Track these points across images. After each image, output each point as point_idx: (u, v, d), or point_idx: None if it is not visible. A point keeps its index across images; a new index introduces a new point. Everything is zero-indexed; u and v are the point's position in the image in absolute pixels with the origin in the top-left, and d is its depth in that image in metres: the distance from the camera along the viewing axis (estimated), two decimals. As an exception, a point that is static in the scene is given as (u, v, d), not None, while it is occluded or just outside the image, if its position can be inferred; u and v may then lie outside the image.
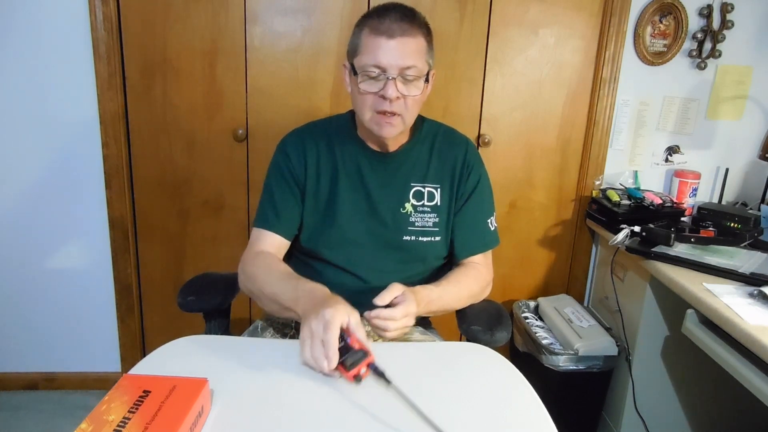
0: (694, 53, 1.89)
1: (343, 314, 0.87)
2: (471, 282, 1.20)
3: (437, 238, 1.21)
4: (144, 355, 1.01)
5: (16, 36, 1.73)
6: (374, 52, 1.05)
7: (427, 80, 1.10)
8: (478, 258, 1.24)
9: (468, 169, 1.22)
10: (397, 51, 1.04)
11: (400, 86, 1.06)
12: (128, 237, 1.92)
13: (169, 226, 1.95)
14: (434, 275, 1.26)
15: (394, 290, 0.99)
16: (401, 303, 0.98)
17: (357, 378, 0.83)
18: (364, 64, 1.06)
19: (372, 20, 1.07)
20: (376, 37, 1.05)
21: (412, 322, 1.00)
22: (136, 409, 0.71)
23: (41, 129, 1.82)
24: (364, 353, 0.85)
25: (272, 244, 1.17)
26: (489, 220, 1.25)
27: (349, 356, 0.84)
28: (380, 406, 0.82)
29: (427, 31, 1.10)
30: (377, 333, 0.99)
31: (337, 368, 0.84)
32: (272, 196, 1.19)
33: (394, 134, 1.12)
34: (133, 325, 2.02)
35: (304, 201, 1.20)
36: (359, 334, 0.87)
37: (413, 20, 1.07)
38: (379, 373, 0.83)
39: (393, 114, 1.08)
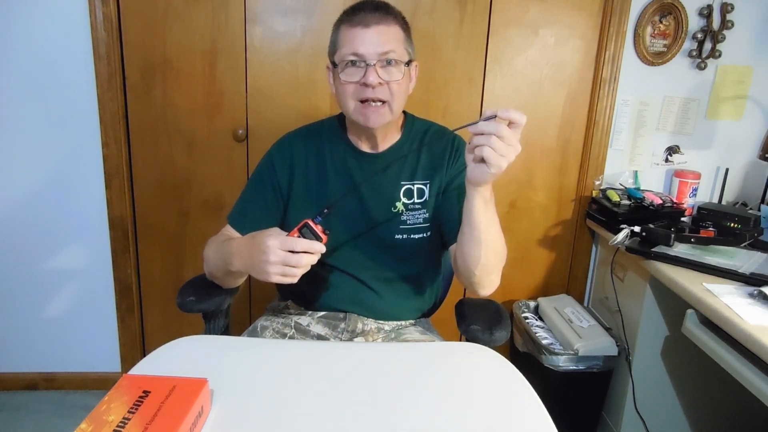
0: (694, 53, 1.89)
1: (269, 231, 0.96)
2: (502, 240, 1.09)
3: (428, 234, 1.20)
4: (144, 355, 1.01)
5: (16, 36, 1.73)
6: (352, 42, 1.06)
7: (408, 65, 1.11)
8: None
9: (456, 155, 1.20)
10: (374, 38, 1.05)
11: (381, 72, 1.06)
12: (128, 237, 1.93)
13: (169, 226, 1.95)
14: (429, 272, 1.27)
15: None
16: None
17: (324, 232, 0.96)
18: (344, 55, 1.07)
19: (347, 16, 1.09)
20: (352, 28, 1.06)
21: (517, 143, 0.88)
22: (136, 409, 0.71)
23: (41, 129, 1.82)
24: (302, 224, 0.96)
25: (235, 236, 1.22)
26: None
27: (304, 233, 0.96)
28: (380, 406, 0.82)
29: (403, 23, 1.12)
30: (479, 154, 0.89)
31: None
32: (246, 199, 1.24)
33: (382, 123, 1.11)
34: (133, 325, 2.02)
35: (291, 205, 1.21)
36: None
37: (387, 11, 1.09)
38: (322, 213, 0.96)
39: (378, 101, 1.08)
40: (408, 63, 1.11)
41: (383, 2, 1.11)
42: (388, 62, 1.07)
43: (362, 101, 1.08)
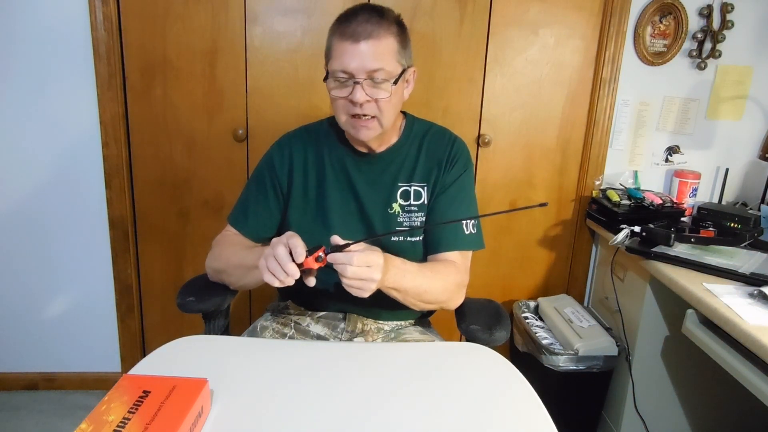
0: (694, 53, 1.89)
1: (296, 234, 0.94)
2: (449, 276, 1.14)
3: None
4: (144, 355, 1.02)
5: (17, 36, 1.73)
6: (341, 57, 1.04)
7: (395, 83, 1.08)
8: (454, 256, 1.18)
9: (452, 162, 1.20)
10: (362, 55, 1.03)
11: (369, 89, 1.05)
12: (128, 237, 1.93)
13: (169, 226, 1.95)
14: None
15: (355, 246, 0.95)
16: (362, 251, 0.94)
17: (318, 258, 0.93)
18: (334, 70, 1.06)
19: (340, 24, 1.06)
20: (343, 42, 1.04)
21: (376, 276, 0.95)
22: (136, 409, 0.71)
23: (41, 129, 1.82)
24: (316, 247, 0.94)
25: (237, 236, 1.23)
26: (464, 222, 1.18)
27: (310, 250, 0.94)
28: (380, 406, 0.82)
29: (399, 30, 1.08)
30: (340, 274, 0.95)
31: (301, 265, 0.92)
32: (247, 199, 1.24)
33: (371, 136, 1.12)
34: (133, 325, 2.02)
35: (290, 204, 1.21)
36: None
37: (381, 21, 1.05)
38: (336, 249, 0.92)
39: (366, 117, 1.08)
40: (400, 75, 1.09)
41: (378, 10, 1.07)
42: (376, 80, 1.05)
43: (352, 115, 1.08)
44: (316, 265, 0.94)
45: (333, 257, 0.93)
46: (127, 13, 1.75)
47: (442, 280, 1.12)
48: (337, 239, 0.94)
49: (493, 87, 1.90)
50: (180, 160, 1.89)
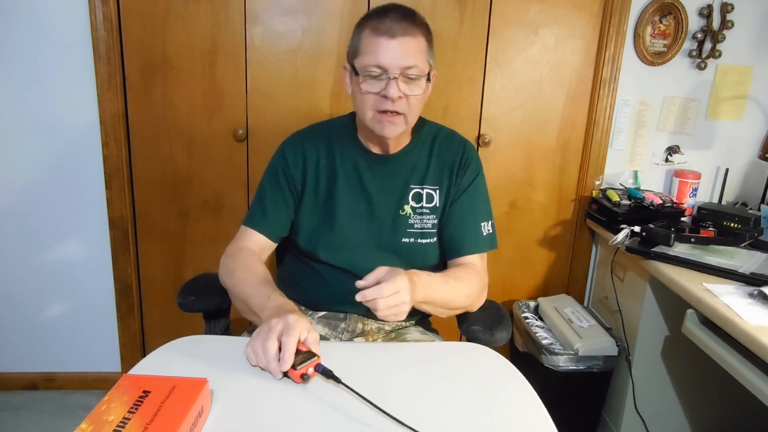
0: (694, 53, 1.89)
1: (305, 326, 0.88)
2: (471, 281, 1.15)
3: (436, 239, 1.21)
4: (144, 355, 1.01)
5: (17, 36, 1.73)
6: (375, 52, 1.05)
7: (428, 79, 1.10)
8: (474, 258, 1.20)
9: (464, 167, 1.21)
10: (398, 51, 1.04)
11: (402, 86, 1.06)
12: (128, 237, 1.93)
13: (169, 226, 1.95)
14: None
15: (378, 272, 0.95)
16: (386, 281, 0.93)
17: (304, 377, 0.84)
18: (366, 64, 1.06)
19: (372, 21, 1.07)
20: (377, 37, 1.05)
21: (407, 298, 0.95)
22: (136, 409, 0.71)
23: (41, 129, 1.82)
24: (312, 354, 0.86)
25: (255, 242, 1.19)
26: (483, 224, 1.21)
27: (297, 357, 0.85)
28: (380, 406, 0.82)
29: (427, 31, 1.10)
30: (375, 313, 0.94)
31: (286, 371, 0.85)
32: (263, 198, 1.21)
33: (397, 133, 1.12)
34: (133, 325, 2.02)
35: (302, 203, 1.20)
36: (314, 349, 0.88)
37: (413, 20, 1.07)
38: (327, 373, 0.84)
39: (395, 113, 1.08)
40: (428, 75, 1.11)
41: (410, 10, 1.09)
42: (410, 77, 1.06)
43: (380, 111, 1.08)
44: (299, 381, 0.84)
45: (362, 295, 0.92)
46: (127, 13, 1.75)
47: (465, 286, 1.14)
48: (361, 283, 0.94)
49: (493, 87, 1.90)
50: (180, 160, 1.89)
